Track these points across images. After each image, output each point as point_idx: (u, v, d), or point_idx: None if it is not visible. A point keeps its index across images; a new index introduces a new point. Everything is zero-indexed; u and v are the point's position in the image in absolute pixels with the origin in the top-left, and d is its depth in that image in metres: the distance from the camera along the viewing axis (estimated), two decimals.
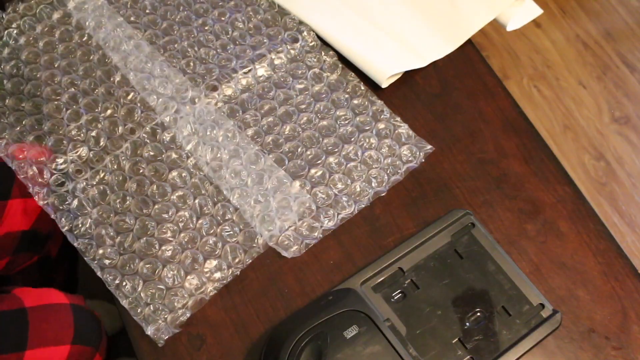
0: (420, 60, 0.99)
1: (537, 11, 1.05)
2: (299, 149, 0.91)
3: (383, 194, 0.89)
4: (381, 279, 0.80)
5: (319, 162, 0.91)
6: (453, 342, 0.76)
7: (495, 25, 1.03)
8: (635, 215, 1.65)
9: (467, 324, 0.77)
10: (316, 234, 0.86)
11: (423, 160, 0.91)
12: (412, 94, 0.98)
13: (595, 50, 1.90)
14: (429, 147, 0.92)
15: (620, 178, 1.70)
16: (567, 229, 0.88)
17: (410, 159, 0.92)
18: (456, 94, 0.98)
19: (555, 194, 0.91)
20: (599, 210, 1.64)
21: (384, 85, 0.96)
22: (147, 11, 1.00)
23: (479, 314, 0.78)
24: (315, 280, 0.84)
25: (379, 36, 1.01)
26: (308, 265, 0.85)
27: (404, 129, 0.93)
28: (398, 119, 0.94)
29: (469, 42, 1.02)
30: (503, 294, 0.79)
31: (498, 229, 0.88)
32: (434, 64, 1.00)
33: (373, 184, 0.90)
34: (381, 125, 0.93)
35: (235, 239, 0.84)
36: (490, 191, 0.91)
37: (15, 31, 0.97)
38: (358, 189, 0.89)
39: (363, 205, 0.88)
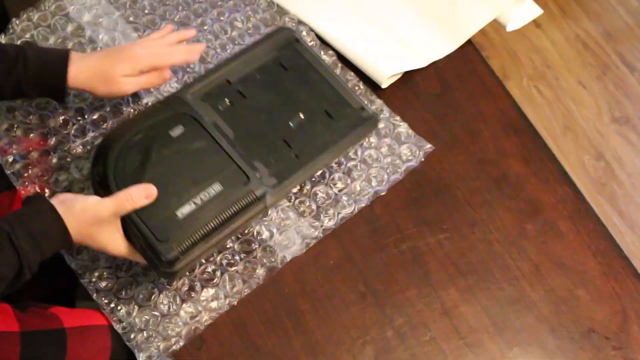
0: (420, 60, 0.99)
1: (537, 11, 1.05)
2: None
3: (383, 193, 0.89)
4: (208, 89, 0.85)
5: None
6: (278, 143, 0.82)
7: (495, 25, 1.03)
8: (635, 215, 1.64)
9: (292, 125, 0.84)
10: (317, 233, 0.86)
11: (423, 159, 0.91)
12: (412, 94, 0.98)
13: (595, 50, 1.90)
14: (429, 146, 0.92)
15: (620, 178, 1.70)
16: (567, 229, 0.88)
17: (410, 157, 0.91)
18: (456, 94, 0.98)
19: (555, 194, 0.91)
20: (598, 210, 1.64)
21: (384, 85, 0.96)
22: (146, 11, 1.00)
23: (302, 116, 0.85)
24: (315, 280, 0.84)
25: (379, 36, 1.01)
26: (308, 265, 0.85)
27: (403, 128, 0.93)
28: (397, 118, 0.94)
29: (469, 42, 1.02)
30: (326, 100, 0.87)
31: (498, 229, 0.88)
32: (434, 64, 1.00)
33: (373, 183, 0.89)
34: (380, 125, 0.93)
35: (234, 268, 0.84)
36: (490, 191, 0.91)
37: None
38: (358, 188, 0.89)
39: (363, 205, 0.88)
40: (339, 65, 0.98)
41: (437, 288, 0.84)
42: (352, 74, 0.97)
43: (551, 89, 1.85)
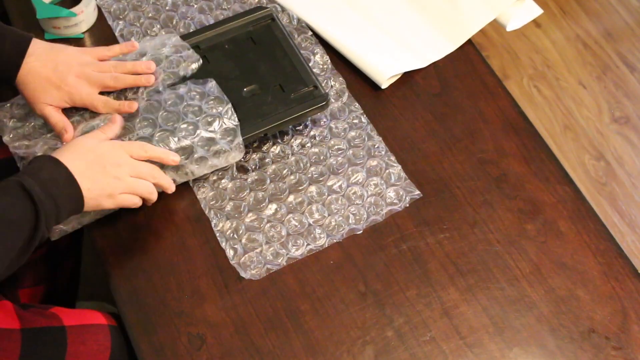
0: (420, 60, 0.99)
1: (537, 11, 1.05)
2: (284, 171, 0.90)
3: (359, 232, 0.87)
4: None
5: (301, 188, 0.89)
6: (226, 107, 0.86)
7: (495, 25, 1.03)
8: (635, 215, 1.64)
9: (244, 93, 0.91)
10: (280, 260, 0.85)
11: (407, 205, 0.89)
12: (412, 94, 0.98)
13: (595, 50, 1.90)
14: (417, 192, 0.89)
15: (620, 178, 1.70)
16: (567, 229, 0.88)
17: (395, 201, 0.89)
18: (456, 94, 0.98)
19: (555, 194, 0.91)
20: (599, 210, 1.64)
21: (384, 85, 0.96)
22: None
23: (255, 87, 0.92)
24: (315, 280, 0.84)
25: (379, 36, 1.01)
26: (308, 265, 0.85)
27: (396, 169, 0.91)
28: (393, 158, 0.92)
29: (469, 42, 1.02)
30: (283, 76, 0.93)
31: (498, 229, 0.88)
32: (434, 64, 1.00)
33: (350, 221, 0.87)
34: (374, 162, 0.91)
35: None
36: (490, 191, 0.90)
37: None
38: (333, 223, 0.87)
39: (335, 240, 0.86)
40: (346, 93, 0.96)
41: (437, 288, 0.84)
42: (357, 105, 0.96)
43: (551, 89, 1.84)
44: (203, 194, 0.89)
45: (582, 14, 1.99)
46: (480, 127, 0.95)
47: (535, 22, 1.95)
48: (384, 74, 0.96)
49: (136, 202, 0.80)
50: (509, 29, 1.03)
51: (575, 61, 1.90)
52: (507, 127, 0.96)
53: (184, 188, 0.89)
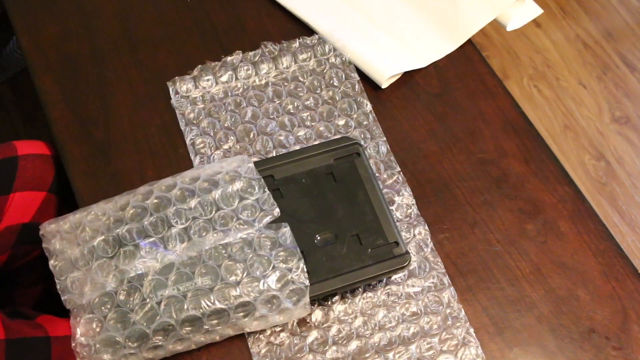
0: (420, 60, 0.99)
1: (537, 11, 1.05)
2: (349, 332, 0.81)
3: None
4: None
5: (365, 357, 0.80)
6: (298, 263, 0.78)
7: (495, 25, 1.03)
8: (635, 215, 1.65)
9: (316, 242, 0.81)
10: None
11: None
12: (412, 94, 0.98)
13: (595, 50, 1.90)
14: None
15: (621, 178, 1.70)
16: (567, 229, 0.88)
17: None
18: (456, 94, 0.98)
19: (556, 194, 0.91)
20: (599, 210, 1.64)
21: (384, 85, 0.96)
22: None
23: (329, 234, 0.81)
24: None
25: (379, 36, 1.01)
26: None
27: (473, 349, 0.80)
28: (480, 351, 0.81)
29: (469, 42, 1.02)
30: (362, 224, 0.82)
31: (498, 229, 0.88)
32: (434, 64, 1.00)
33: None
34: (450, 336, 0.81)
35: None
36: (490, 191, 0.90)
37: None
38: None
39: None
40: (405, 187, 0.89)
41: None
42: (426, 228, 0.87)
43: (551, 89, 1.85)
44: (257, 347, 0.80)
45: (582, 14, 1.99)
46: (480, 127, 0.95)
47: (535, 22, 1.95)
48: (384, 74, 0.96)
49: None
50: (509, 28, 1.03)
51: (576, 61, 1.90)
52: (507, 127, 0.96)
53: (237, 336, 0.81)
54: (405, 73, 0.98)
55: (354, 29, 1.01)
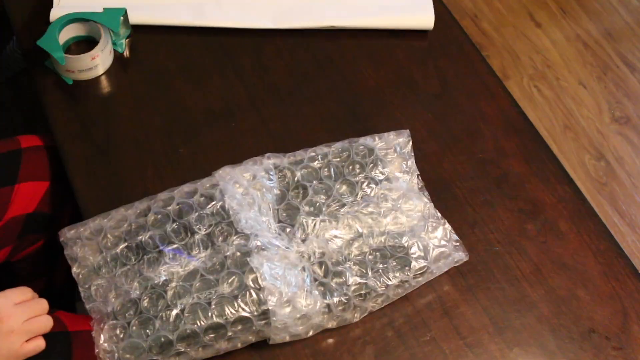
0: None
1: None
2: None
3: None
4: None
5: None
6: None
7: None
8: (635, 215, 1.64)
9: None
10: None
11: None
12: (412, 94, 0.98)
13: (595, 50, 1.90)
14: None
15: (621, 178, 1.70)
16: (568, 229, 0.88)
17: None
18: (456, 94, 0.98)
19: (556, 194, 0.91)
20: (599, 210, 1.64)
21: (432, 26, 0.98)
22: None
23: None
24: None
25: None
26: None
27: None
28: None
29: (469, 42, 1.02)
30: None
31: (498, 229, 0.88)
32: (435, 64, 1.00)
33: None
34: None
35: None
36: (490, 191, 0.90)
37: None
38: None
39: None
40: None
41: (437, 288, 0.84)
42: None
43: (551, 89, 1.85)
44: None
45: (582, 14, 1.99)
46: (481, 127, 0.95)
47: (536, 22, 1.95)
48: (428, 14, 0.99)
49: (41, 345, 0.72)
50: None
51: (576, 61, 1.90)
52: (508, 127, 0.96)
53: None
54: (406, 73, 0.98)
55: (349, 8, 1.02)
